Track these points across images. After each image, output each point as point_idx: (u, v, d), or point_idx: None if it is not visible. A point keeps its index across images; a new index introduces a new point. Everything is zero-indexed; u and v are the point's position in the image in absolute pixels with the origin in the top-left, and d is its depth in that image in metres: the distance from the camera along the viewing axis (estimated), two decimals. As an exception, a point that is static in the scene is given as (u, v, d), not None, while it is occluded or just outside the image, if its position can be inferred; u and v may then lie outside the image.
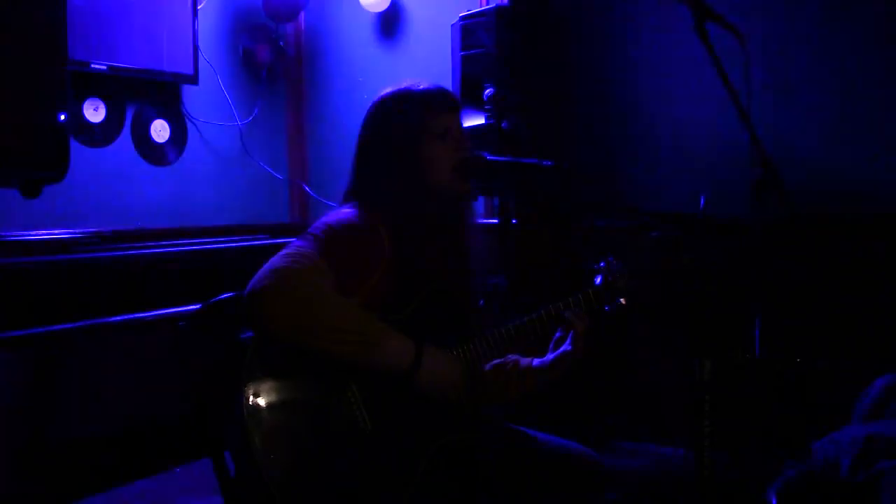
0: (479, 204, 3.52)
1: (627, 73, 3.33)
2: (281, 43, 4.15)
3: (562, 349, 1.75)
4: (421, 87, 1.79)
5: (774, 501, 1.87)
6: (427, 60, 3.75)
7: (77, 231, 3.30)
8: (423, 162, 1.73)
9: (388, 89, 1.82)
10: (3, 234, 3.09)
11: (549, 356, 1.79)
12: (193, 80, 3.64)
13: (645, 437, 3.20)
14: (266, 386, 1.49)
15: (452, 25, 3.16)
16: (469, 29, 3.07)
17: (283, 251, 1.53)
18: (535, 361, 1.81)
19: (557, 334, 1.77)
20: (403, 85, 1.80)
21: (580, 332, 1.72)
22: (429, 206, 1.76)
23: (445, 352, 1.64)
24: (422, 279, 1.70)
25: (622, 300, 1.76)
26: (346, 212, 1.70)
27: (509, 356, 1.84)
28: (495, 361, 1.84)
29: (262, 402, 1.47)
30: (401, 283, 1.68)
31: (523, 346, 1.83)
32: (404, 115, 1.75)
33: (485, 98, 2.95)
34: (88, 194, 3.37)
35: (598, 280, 1.78)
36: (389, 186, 1.72)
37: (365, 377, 1.57)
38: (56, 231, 3.25)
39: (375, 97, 1.83)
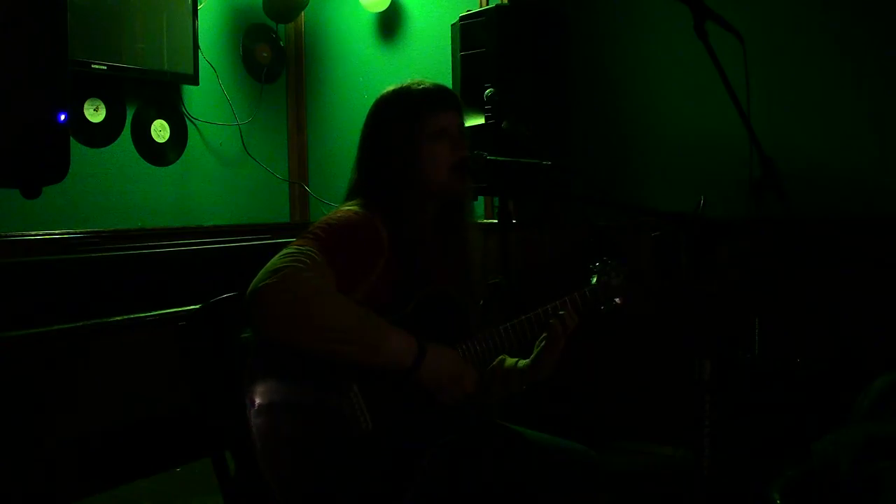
0: (479, 204, 3.52)
1: (627, 73, 3.33)
2: (281, 43, 4.15)
3: (541, 350, 1.76)
4: (420, 86, 1.79)
5: (776, 501, 1.87)
6: (427, 60, 3.75)
7: (77, 231, 3.31)
8: (421, 161, 1.73)
9: (390, 87, 1.82)
10: (3, 234, 3.09)
11: (532, 357, 1.79)
12: (193, 80, 3.64)
13: (645, 437, 3.20)
14: (267, 386, 1.49)
15: (452, 25, 3.16)
16: (469, 29, 3.07)
17: (283, 251, 1.53)
18: (520, 362, 1.81)
19: (543, 335, 1.77)
20: (404, 84, 1.80)
21: (560, 333, 1.73)
22: (427, 205, 1.76)
23: (447, 348, 1.65)
24: (421, 279, 1.70)
25: (618, 300, 1.76)
26: (346, 210, 1.70)
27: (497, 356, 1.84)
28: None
29: (263, 402, 1.47)
30: (400, 283, 1.68)
31: (521, 346, 1.83)
32: (402, 114, 1.75)
33: (485, 98, 2.95)
34: (88, 194, 3.37)
35: (595, 279, 1.78)
36: (388, 185, 1.73)
37: (366, 377, 1.57)
38: (56, 231, 3.25)
39: (377, 96, 1.83)
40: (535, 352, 1.78)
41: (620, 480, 2.69)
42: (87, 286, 2.72)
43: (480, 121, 2.95)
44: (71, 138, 2.43)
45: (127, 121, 3.51)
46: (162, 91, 3.65)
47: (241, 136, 3.96)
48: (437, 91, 1.80)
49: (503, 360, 1.85)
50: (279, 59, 4.15)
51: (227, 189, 3.93)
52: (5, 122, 2.13)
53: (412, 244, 1.70)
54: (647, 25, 3.26)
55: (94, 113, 3.39)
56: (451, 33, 3.16)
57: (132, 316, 2.71)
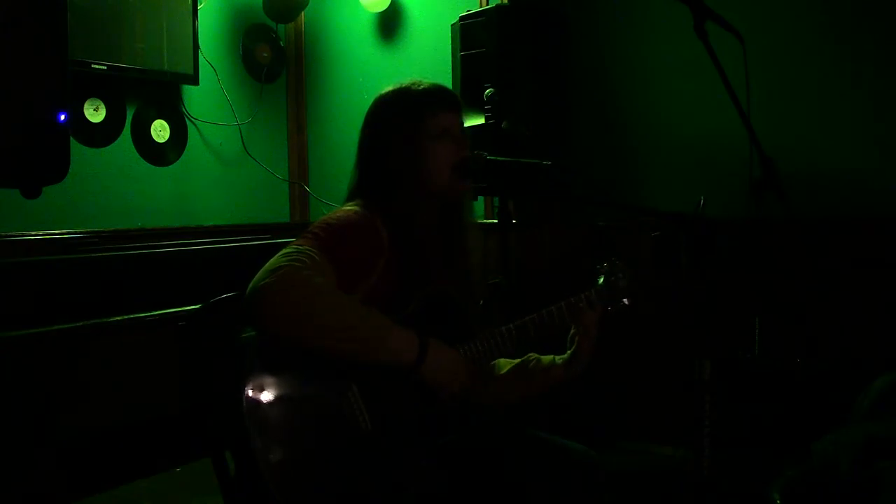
0: (479, 204, 3.52)
1: (627, 72, 3.33)
2: (281, 43, 4.15)
3: (579, 345, 1.78)
4: (420, 86, 1.79)
5: (776, 501, 1.87)
6: (427, 60, 3.75)
7: (77, 231, 3.30)
8: (421, 162, 1.73)
9: (389, 88, 1.82)
10: (3, 234, 3.09)
11: (569, 352, 1.81)
12: (193, 80, 3.64)
13: (645, 437, 3.20)
14: (267, 386, 1.49)
15: (452, 25, 3.16)
16: (469, 29, 3.07)
17: (283, 251, 1.53)
18: (558, 358, 1.83)
19: (572, 331, 1.80)
20: (404, 84, 1.80)
21: (591, 331, 1.75)
22: (427, 205, 1.76)
23: (448, 346, 1.65)
24: (421, 279, 1.70)
25: (625, 300, 1.77)
26: (346, 210, 1.70)
27: (529, 354, 1.87)
28: (515, 361, 1.86)
29: (262, 402, 1.47)
30: (400, 283, 1.68)
31: (524, 346, 1.83)
32: (403, 114, 1.75)
33: (485, 98, 2.95)
34: (88, 194, 3.37)
35: (602, 280, 1.78)
36: (388, 186, 1.73)
37: (365, 377, 1.57)
38: (56, 231, 3.25)
39: (376, 96, 1.83)
40: (570, 347, 1.80)
41: (620, 480, 2.69)
42: (87, 286, 2.72)
43: (480, 121, 2.95)
44: (71, 138, 2.42)
45: (127, 121, 3.51)
46: (162, 91, 3.65)
47: (241, 136, 3.97)
48: (437, 91, 1.80)
49: (539, 359, 1.86)
50: (279, 59, 4.15)
51: (227, 189, 3.93)
52: (5, 122, 2.13)
53: (412, 244, 1.70)
54: (647, 26, 3.26)
55: (94, 113, 3.39)
56: (451, 33, 3.16)
57: (132, 316, 2.72)
